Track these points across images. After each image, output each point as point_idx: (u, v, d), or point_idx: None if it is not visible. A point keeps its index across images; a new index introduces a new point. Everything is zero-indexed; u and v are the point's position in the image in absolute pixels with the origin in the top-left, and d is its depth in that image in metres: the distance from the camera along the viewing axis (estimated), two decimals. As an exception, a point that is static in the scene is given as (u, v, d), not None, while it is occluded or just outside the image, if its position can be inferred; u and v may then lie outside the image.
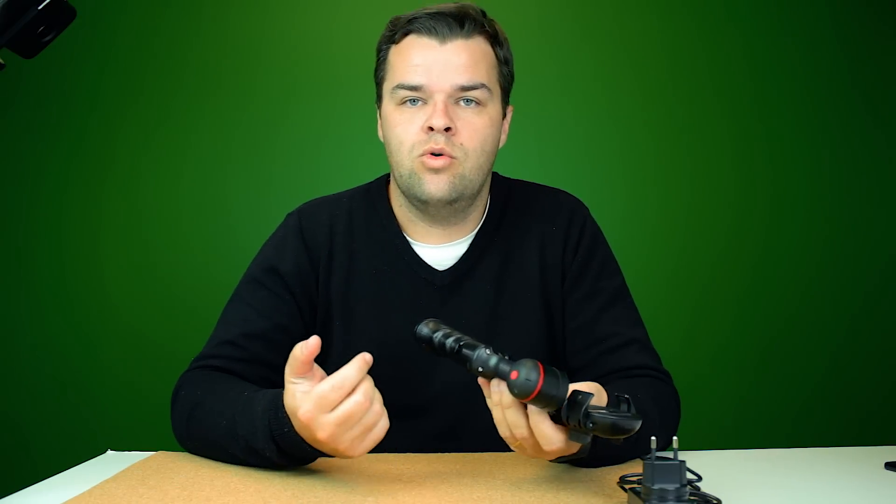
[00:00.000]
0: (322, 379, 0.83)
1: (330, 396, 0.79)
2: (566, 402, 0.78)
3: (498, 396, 0.81)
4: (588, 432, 0.76)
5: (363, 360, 0.80)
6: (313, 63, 2.54)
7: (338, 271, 1.15)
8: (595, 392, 0.82)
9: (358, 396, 0.80)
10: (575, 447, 0.83)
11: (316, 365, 0.85)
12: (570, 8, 2.55)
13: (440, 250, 1.15)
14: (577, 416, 0.76)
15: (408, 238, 1.16)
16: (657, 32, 2.55)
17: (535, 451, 0.83)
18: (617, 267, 1.20)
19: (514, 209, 1.19)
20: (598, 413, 0.75)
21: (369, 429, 0.82)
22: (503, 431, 0.83)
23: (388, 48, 1.12)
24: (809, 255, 2.53)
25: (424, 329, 0.87)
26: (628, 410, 0.77)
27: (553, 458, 0.86)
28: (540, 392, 0.75)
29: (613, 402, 0.79)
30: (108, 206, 2.53)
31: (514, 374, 0.76)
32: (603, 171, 2.54)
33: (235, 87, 2.54)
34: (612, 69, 2.55)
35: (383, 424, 0.82)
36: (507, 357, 0.80)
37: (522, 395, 0.76)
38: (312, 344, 0.82)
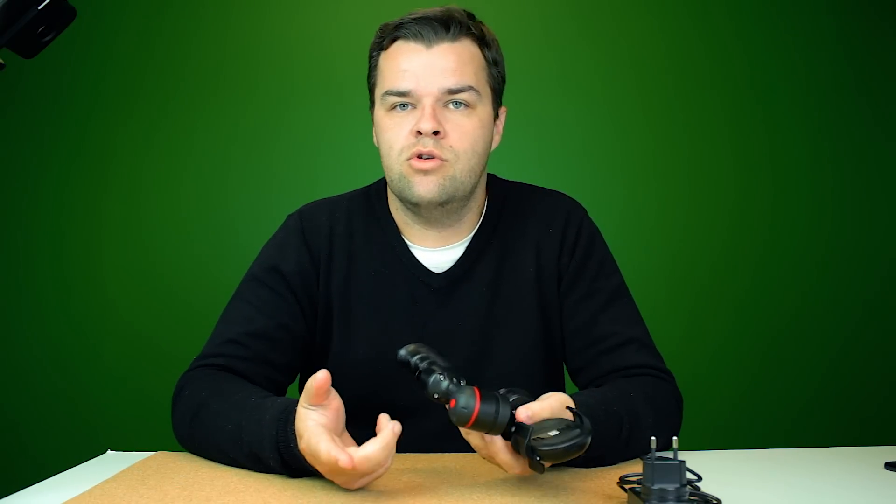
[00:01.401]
0: (337, 410, 0.84)
1: (321, 458, 0.79)
2: (514, 436, 0.79)
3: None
4: (536, 462, 0.76)
5: (363, 457, 0.78)
6: (313, 65, 2.55)
7: (337, 272, 1.15)
8: (549, 407, 0.81)
9: (352, 476, 0.80)
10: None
11: (333, 391, 0.85)
12: (570, 8, 2.55)
13: (437, 253, 1.15)
14: (523, 452, 0.77)
15: (405, 241, 1.16)
16: (657, 32, 2.55)
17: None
18: (615, 267, 1.20)
19: (511, 212, 1.19)
20: (544, 446, 0.75)
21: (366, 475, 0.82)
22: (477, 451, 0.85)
23: (378, 54, 1.12)
24: (810, 256, 2.53)
25: (402, 352, 0.88)
26: (580, 423, 0.77)
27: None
28: (476, 419, 0.77)
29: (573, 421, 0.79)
30: (108, 206, 2.54)
31: (452, 403, 0.78)
32: (602, 171, 2.54)
33: (235, 89, 2.54)
34: (612, 69, 2.55)
35: (381, 471, 0.83)
36: (461, 382, 0.81)
37: (461, 423, 0.78)
38: (321, 378, 0.81)
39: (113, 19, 2.55)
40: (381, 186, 1.21)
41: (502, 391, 0.82)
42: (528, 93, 2.45)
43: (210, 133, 2.54)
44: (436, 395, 0.81)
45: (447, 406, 0.79)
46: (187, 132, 2.54)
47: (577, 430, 0.77)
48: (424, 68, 1.06)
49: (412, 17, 1.08)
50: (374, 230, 1.17)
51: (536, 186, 1.24)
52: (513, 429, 0.79)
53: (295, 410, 0.86)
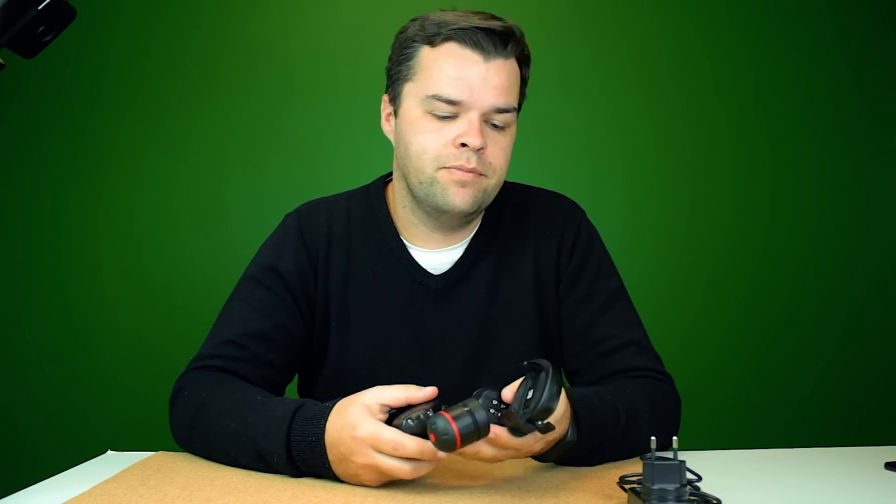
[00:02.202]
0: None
1: (384, 446, 0.80)
2: (508, 425, 0.78)
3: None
4: (543, 426, 0.76)
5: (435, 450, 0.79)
6: (312, 64, 2.54)
7: (335, 272, 1.14)
8: (516, 382, 0.82)
9: (406, 466, 0.81)
10: (552, 436, 0.84)
11: None
12: (570, 8, 2.55)
13: (437, 254, 1.15)
14: (526, 428, 0.76)
15: (405, 241, 1.16)
16: (657, 32, 2.55)
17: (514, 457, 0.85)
18: (613, 269, 1.20)
19: (511, 213, 1.19)
20: (534, 409, 0.75)
21: (390, 479, 0.84)
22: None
23: (421, 47, 1.06)
24: (809, 256, 2.53)
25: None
26: (538, 365, 0.78)
27: (542, 450, 0.87)
28: (462, 438, 0.76)
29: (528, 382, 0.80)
30: (106, 206, 2.53)
31: (432, 438, 0.77)
32: (603, 172, 2.54)
33: (234, 88, 2.54)
34: (612, 69, 2.55)
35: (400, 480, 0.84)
36: (429, 413, 0.81)
37: (451, 449, 0.77)
38: (429, 393, 0.83)
39: (112, 19, 2.54)
40: (380, 185, 1.21)
41: (474, 394, 0.81)
42: (529, 93, 2.43)
43: (209, 133, 2.54)
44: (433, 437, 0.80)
45: (432, 443, 0.78)
46: (186, 132, 2.54)
47: (542, 374, 0.77)
48: (479, 81, 1.03)
49: (475, 24, 1.04)
50: (372, 230, 1.17)
51: (535, 188, 1.24)
52: (501, 419, 0.79)
53: (308, 407, 0.88)
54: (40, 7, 0.80)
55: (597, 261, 1.18)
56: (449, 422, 0.76)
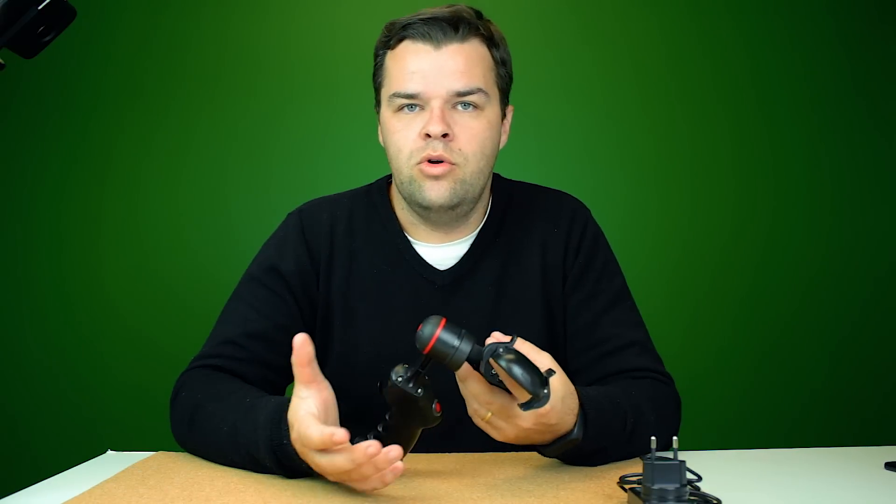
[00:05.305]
0: (326, 401, 0.82)
1: (314, 441, 0.77)
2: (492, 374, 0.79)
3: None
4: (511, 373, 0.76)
5: (363, 451, 0.75)
6: (313, 64, 2.54)
7: (338, 271, 1.14)
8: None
9: (345, 464, 0.77)
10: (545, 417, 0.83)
11: (325, 382, 0.84)
12: (570, 8, 2.55)
13: (441, 250, 1.15)
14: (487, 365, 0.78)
15: (409, 238, 1.16)
16: (657, 32, 2.55)
17: (506, 427, 0.85)
18: (618, 269, 1.20)
19: (516, 211, 1.19)
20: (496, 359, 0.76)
21: (361, 480, 0.79)
22: (472, 412, 0.85)
23: (385, 53, 1.11)
24: (810, 256, 2.53)
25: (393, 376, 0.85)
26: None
27: (526, 426, 0.84)
28: (436, 344, 0.77)
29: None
30: (107, 206, 2.54)
31: (419, 327, 0.79)
32: (603, 171, 2.54)
33: (235, 88, 2.54)
34: (612, 69, 2.55)
35: (390, 476, 0.79)
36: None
37: (423, 345, 0.78)
38: (299, 347, 0.80)
39: (113, 19, 2.55)
40: (382, 184, 1.21)
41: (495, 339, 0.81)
42: (528, 93, 2.44)
43: (210, 133, 2.54)
44: (399, 378, 0.81)
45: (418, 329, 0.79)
46: (187, 132, 2.54)
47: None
48: (433, 70, 1.04)
49: (420, 16, 1.06)
50: (376, 228, 1.17)
51: (540, 186, 1.24)
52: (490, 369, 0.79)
53: (287, 408, 0.86)
54: (40, 7, 0.80)
55: (602, 260, 1.18)
56: (438, 327, 0.78)
